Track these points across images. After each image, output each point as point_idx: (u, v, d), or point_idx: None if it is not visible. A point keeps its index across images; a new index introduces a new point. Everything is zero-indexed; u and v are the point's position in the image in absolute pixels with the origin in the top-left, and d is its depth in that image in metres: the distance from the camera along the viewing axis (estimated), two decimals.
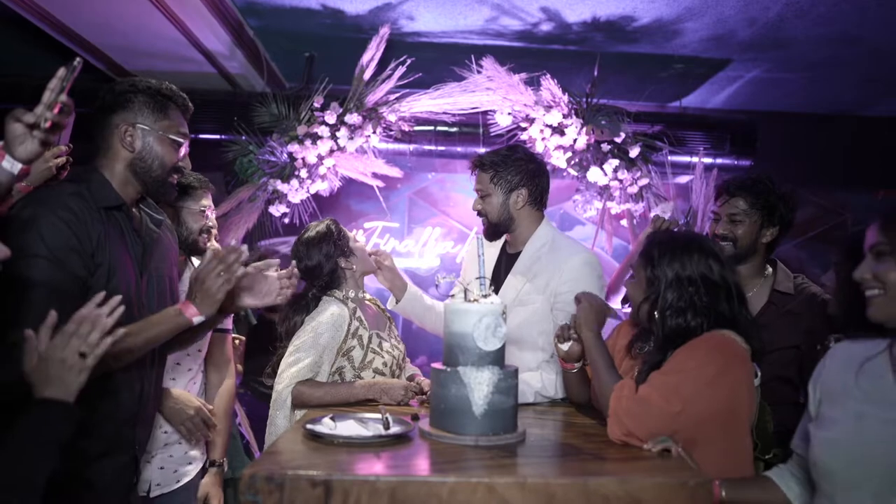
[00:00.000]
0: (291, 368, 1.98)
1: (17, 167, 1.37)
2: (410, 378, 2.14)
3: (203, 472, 2.17)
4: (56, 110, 1.37)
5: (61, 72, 1.39)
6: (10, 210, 1.46)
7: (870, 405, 1.15)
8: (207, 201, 2.25)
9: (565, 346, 1.78)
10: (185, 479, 2.09)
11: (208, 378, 2.27)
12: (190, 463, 2.12)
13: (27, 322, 1.19)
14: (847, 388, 1.19)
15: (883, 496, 1.10)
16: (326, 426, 1.45)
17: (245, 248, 1.55)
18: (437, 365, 1.52)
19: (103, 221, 1.50)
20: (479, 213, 2.14)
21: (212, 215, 2.26)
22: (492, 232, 2.14)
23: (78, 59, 1.42)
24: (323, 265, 2.13)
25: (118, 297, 1.21)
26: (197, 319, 1.51)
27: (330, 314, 2.05)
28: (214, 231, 2.28)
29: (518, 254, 2.09)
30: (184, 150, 1.62)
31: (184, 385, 2.12)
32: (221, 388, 2.25)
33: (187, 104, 1.64)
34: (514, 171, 2.07)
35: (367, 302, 2.23)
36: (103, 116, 1.55)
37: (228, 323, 2.32)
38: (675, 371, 1.46)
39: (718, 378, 1.43)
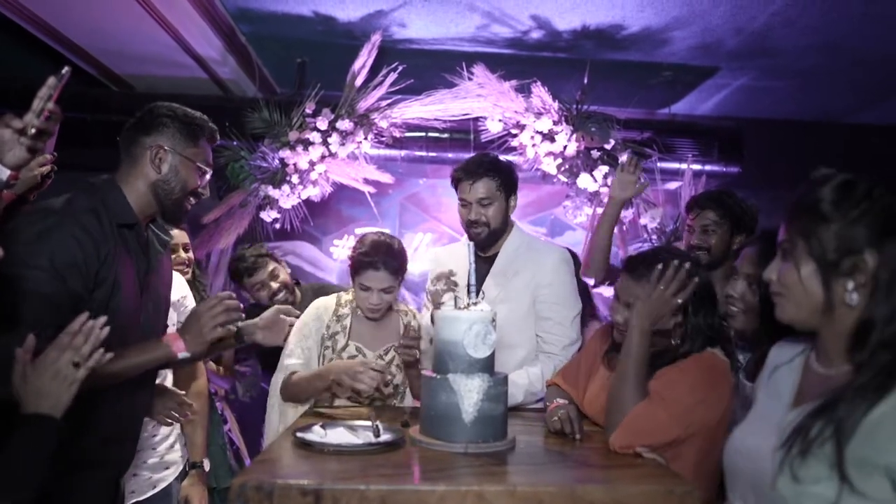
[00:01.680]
0: (283, 360, 2.04)
1: (5, 173, 1.37)
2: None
3: (184, 475, 2.16)
4: (44, 117, 1.38)
5: (51, 80, 1.40)
6: (23, 216, 1.45)
7: (758, 417, 1.15)
8: (182, 239, 2.36)
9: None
10: (163, 485, 2.08)
11: (175, 376, 2.22)
12: (167, 468, 2.11)
13: (19, 332, 1.19)
14: (758, 392, 1.19)
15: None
16: (317, 434, 1.46)
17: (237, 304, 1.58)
18: (428, 372, 1.53)
19: (115, 237, 1.50)
20: (477, 224, 2.07)
21: (184, 253, 2.39)
22: (491, 240, 2.10)
23: (67, 67, 1.43)
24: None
25: (103, 318, 1.21)
26: (182, 355, 1.51)
27: (314, 305, 2.10)
28: (184, 269, 2.40)
29: (494, 256, 2.12)
30: (207, 178, 1.64)
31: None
32: (193, 388, 2.21)
33: (215, 136, 1.66)
34: (510, 175, 2.11)
35: (391, 326, 2.12)
36: (135, 135, 1.56)
37: None
38: (672, 391, 1.47)
39: (709, 398, 1.46)
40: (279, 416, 2.05)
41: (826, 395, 0.98)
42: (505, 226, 2.12)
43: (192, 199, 1.63)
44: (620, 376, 1.53)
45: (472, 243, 1.79)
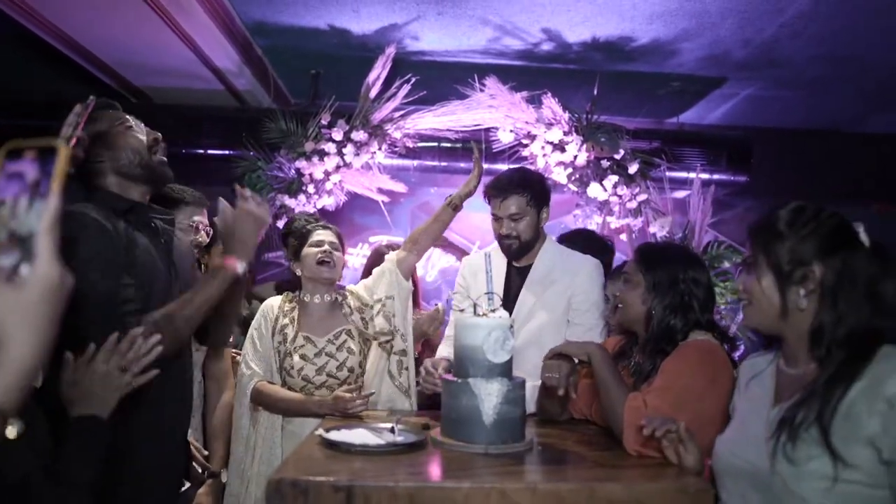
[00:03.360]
0: (244, 367, 2.14)
1: None
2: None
3: (200, 483, 2.20)
4: (72, 144, 1.45)
5: (77, 108, 1.48)
6: None
7: (743, 423, 1.28)
8: (201, 217, 2.29)
9: (553, 381, 1.65)
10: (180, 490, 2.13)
11: (207, 390, 2.31)
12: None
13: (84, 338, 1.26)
14: (738, 403, 1.34)
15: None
16: (341, 435, 1.51)
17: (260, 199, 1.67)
18: (449, 376, 1.59)
19: (121, 226, 1.54)
20: (509, 237, 2.13)
21: (204, 231, 2.31)
22: (522, 252, 2.17)
23: (92, 97, 1.51)
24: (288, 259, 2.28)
25: (157, 336, 1.28)
26: (241, 268, 1.58)
27: (261, 308, 2.22)
28: (210, 245, 2.33)
29: (529, 266, 2.18)
30: (140, 128, 1.64)
31: None
32: (220, 402, 2.30)
33: (111, 103, 1.66)
34: (541, 189, 2.17)
35: (333, 309, 2.21)
36: (80, 162, 1.57)
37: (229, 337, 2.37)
38: (676, 381, 1.52)
39: (714, 384, 1.51)
40: (250, 420, 2.13)
41: (800, 391, 1.16)
42: (537, 237, 2.18)
43: (157, 154, 1.64)
44: (603, 386, 1.61)
45: (488, 254, 1.84)
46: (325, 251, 2.17)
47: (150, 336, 1.25)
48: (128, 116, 1.65)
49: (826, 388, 1.11)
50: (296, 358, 2.13)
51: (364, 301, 2.25)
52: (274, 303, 2.23)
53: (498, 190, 2.14)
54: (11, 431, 0.86)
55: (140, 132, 1.64)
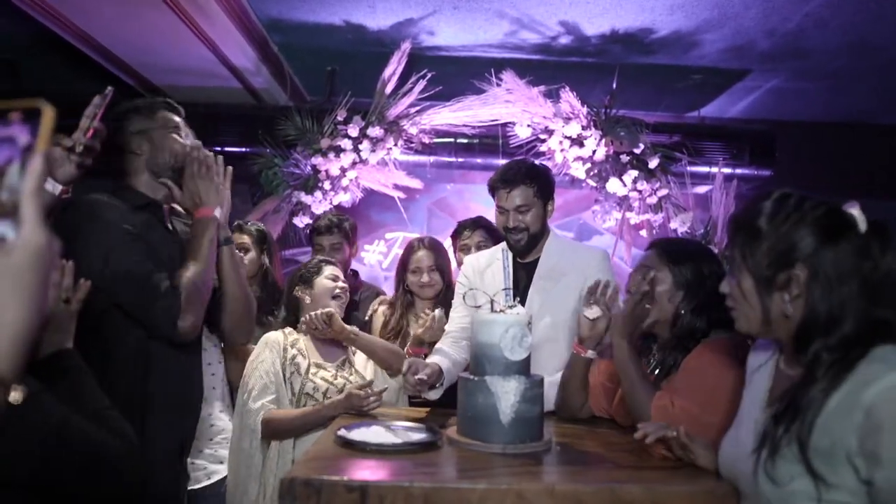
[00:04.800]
0: (251, 402, 2.05)
1: (58, 188, 1.47)
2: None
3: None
4: (90, 135, 1.47)
5: (96, 99, 1.50)
6: (60, 218, 1.54)
7: (741, 419, 1.18)
8: None
9: (592, 313, 1.72)
10: (216, 478, 2.13)
11: (228, 368, 2.29)
12: (221, 462, 2.16)
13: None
14: (744, 395, 1.23)
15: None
16: (357, 433, 1.49)
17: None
18: (465, 374, 1.56)
19: (140, 219, 1.60)
20: (516, 230, 2.07)
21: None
22: (530, 246, 2.10)
23: (110, 87, 1.52)
24: (289, 290, 2.30)
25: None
26: (217, 213, 1.64)
27: (264, 344, 2.15)
28: None
29: (535, 261, 2.13)
30: (188, 139, 1.72)
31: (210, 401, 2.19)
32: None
33: (173, 105, 1.75)
34: (546, 181, 2.11)
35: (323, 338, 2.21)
36: (114, 138, 1.65)
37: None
38: (703, 382, 1.48)
39: (738, 382, 1.47)
40: (261, 454, 2.06)
41: (786, 398, 1.03)
42: (544, 230, 2.12)
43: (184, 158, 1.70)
44: (629, 384, 1.58)
45: (506, 249, 1.81)
46: (342, 288, 2.26)
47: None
48: (178, 120, 1.72)
49: (803, 399, 0.99)
50: (318, 380, 2.10)
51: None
52: (276, 336, 2.17)
53: (504, 182, 2.07)
54: (15, 397, 0.91)
55: (186, 136, 1.70)
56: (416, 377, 1.78)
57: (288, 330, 2.23)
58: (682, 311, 1.59)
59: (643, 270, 1.66)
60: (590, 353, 1.77)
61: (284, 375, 2.10)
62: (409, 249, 2.62)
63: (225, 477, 2.14)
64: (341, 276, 2.32)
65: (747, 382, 1.23)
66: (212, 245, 1.62)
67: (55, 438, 1.03)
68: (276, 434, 2.05)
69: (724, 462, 1.19)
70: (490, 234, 2.69)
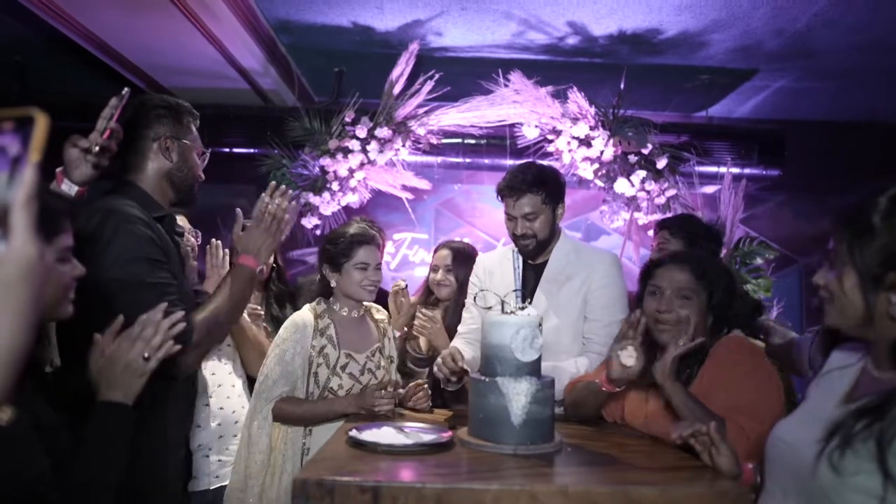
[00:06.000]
0: (267, 387, 1.98)
1: (74, 189, 1.48)
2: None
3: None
4: (106, 136, 1.48)
5: (113, 101, 1.51)
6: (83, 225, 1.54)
7: (806, 411, 1.17)
8: (183, 222, 2.28)
9: (630, 360, 1.60)
10: (225, 482, 2.14)
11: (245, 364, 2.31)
12: (227, 468, 2.17)
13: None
14: (810, 390, 1.21)
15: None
16: (369, 434, 1.50)
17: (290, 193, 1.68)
18: (476, 375, 1.56)
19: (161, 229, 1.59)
20: (525, 237, 2.05)
21: (193, 239, 2.29)
22: (538, 250, 2.08)
23: (126, 88, 1.53)
24: (321, 262, 2.14)
25: (180, 313, 1.27)
26: (259, 267, 1.63)
27: (293, 326, 2.02)
28: (193, 254, 2.28)
29: (544, 263, 2.13)
30: (206, 161, 1.74)
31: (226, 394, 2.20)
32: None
33: (198, 120, 1.75)
34: (556, 186, 2.08)
35: (368, 321, 2.16)
36: (136, 131, 1.61)
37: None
38: (760, 399, 1.50)
39: (769, 381, 1.48)
40: (269, 439, 2.00)
41: (874, 397, 1.00)
42: (553, 234, 2.10)
43: (198, 183, 1.73)
44: (695, 419, 1.49)
45: (515, 250, 1.81)
46: (374, 281, 2.08)
47: (176, 321, 1.24)
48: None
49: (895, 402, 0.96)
50: (344, 378, 2.03)
51: (380, 321, 2.22)
52: (307, 319, 2.04)
53: (511, 189, 2.04)
54: (2, 419, 0.85)
55: (203, 158, 1.73)
56: (458, 365, 1.79)
57: (321, 308, 2.09)
58: (708, 326, 1.64)
59: (680, 297, 1.65)
60: (620, 389, 1.69)
61: (310, 367, 2.01)
62: (437, 247, 2.70)
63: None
64: (374, 261, 2.10)
65: (820, 377, 1.20)
66: (243, 294, 1.60)
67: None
68: (287, 420, 2.00)
69: (777, 446, 1.16)
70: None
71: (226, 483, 2.08)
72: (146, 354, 1.18)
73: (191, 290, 1.69)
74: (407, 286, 2.48)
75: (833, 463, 0.98)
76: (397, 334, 2.24)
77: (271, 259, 2.61)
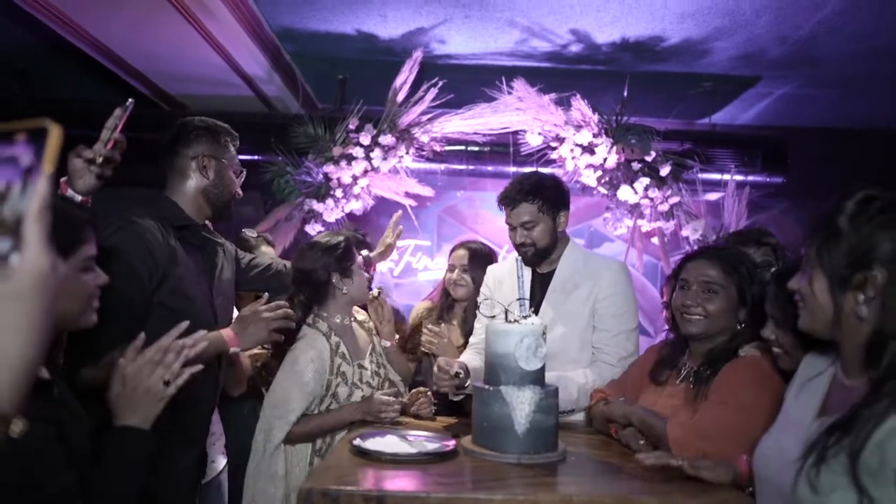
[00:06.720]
0: (283, 415, 1.89)
1: (77, 199, 1.49)
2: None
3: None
4: (110, 146, 1.49)
5: (117, 111, 1.52)
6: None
7: (786, 425, 1.17)
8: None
9: (653, 461, 1.47)
10: (212, 476, 2.17)
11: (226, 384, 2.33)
12: (212, 461, 2.18)
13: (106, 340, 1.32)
14: (787, 400, 1.21)
15: None
16: (372, 443, 1.50)
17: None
18: (480, 384, 1.56)
19: (173, 241, 1.62)
20: (524, 245, 2.06)
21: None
22: (538, 259, 2.09)
23: (131, 99, 1.55)
24: (315, 274, 2.01)
25: (201, 332, 1.26)
26: (234, 350, 1.65)
27: (309, 357, 1.93)
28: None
29: (552, 272, 2.13)
30: (242, 178, 1.82)
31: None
32: (235, 392, 2.26)
33: (237, 140, 1.84)
34: (554, 194, 2.08)
35: (354, 325, 2.13)
36: (175, 148, 1.72)
37: None
38: (741, 397, 1.49)
39: (775, 399, 1.47)
40: (284, 462, 1.94)
41: (844, 409, 1.00)
42: (555, 243, 2.10)
43: (235, 199, 1.80)
44: (649, 429, 1.57)
45: (520, 259, 1.82)
46: (371, 278, 2.18)
47: (196, 342, 1.24)
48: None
49: (867, 412, 0.95)
50: (365, 388, 2.01)
51: (363, 322, 2.22)
52: (322, 346, 1.97)
53: (507, 199, 2.06)
54: (14, 431, 0.84)
55: (240, 176, 1.80)
56: (452, 371, 1.78)
57: (328, 325, 2.02)
58: (742, 325, 1.62)
59: (707, 291, 1.66)
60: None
61: (329, 388, 1.97)
62: (454, 247, 2.72)
63: (219, 476, 2.19)
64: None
65: (795, 388, 1.20)
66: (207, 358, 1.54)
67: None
68: (298, 437, 1.94)
69: (763, 464, 1.16)
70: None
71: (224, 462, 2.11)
72: (167, 378, 1.17)
73: (209, 298, 1.71)
74: (381, 292, 2.29)
75: (811, 481, 0.98)
76: (387, 344, 2.19)
77: None
